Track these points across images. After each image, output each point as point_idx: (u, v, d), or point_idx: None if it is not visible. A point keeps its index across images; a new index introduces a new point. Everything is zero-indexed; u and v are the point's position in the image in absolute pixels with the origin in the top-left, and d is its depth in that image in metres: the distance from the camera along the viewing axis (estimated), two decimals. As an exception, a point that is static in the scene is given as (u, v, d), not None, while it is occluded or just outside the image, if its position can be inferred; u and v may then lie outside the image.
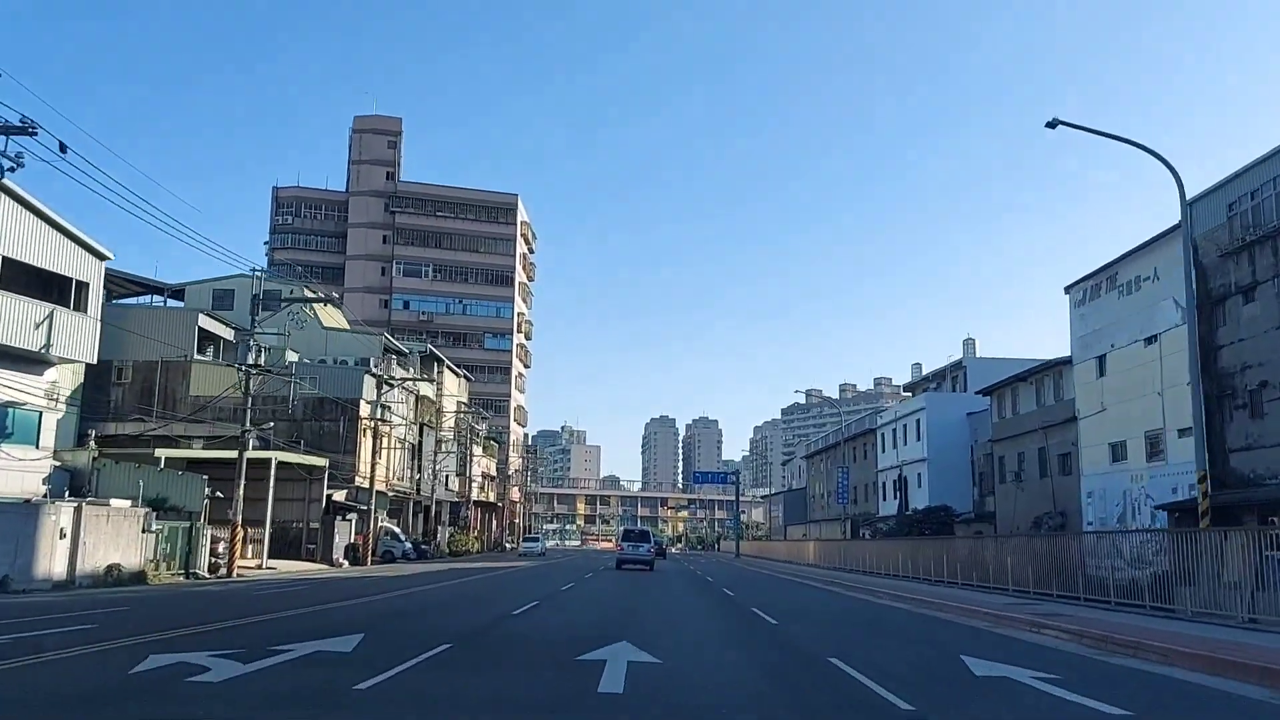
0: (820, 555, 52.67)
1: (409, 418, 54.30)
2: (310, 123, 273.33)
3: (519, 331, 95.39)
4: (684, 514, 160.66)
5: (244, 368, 29.26)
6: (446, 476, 61.07)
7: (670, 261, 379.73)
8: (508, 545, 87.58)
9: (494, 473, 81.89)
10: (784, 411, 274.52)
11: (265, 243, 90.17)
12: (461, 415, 65.20)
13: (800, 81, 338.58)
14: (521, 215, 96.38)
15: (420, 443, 55.49)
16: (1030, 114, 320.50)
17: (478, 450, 72.59)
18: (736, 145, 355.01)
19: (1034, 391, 41.51)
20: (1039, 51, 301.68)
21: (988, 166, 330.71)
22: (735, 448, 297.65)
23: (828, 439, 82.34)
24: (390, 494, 50.74)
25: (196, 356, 44.56)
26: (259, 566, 35.28)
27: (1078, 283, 37.30)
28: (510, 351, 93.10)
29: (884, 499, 63.67)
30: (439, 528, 60.09)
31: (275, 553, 40.81)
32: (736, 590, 27.27)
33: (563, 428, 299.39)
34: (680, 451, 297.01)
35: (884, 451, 63.82)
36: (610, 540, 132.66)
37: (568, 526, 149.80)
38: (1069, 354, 38.05)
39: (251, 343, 29.33)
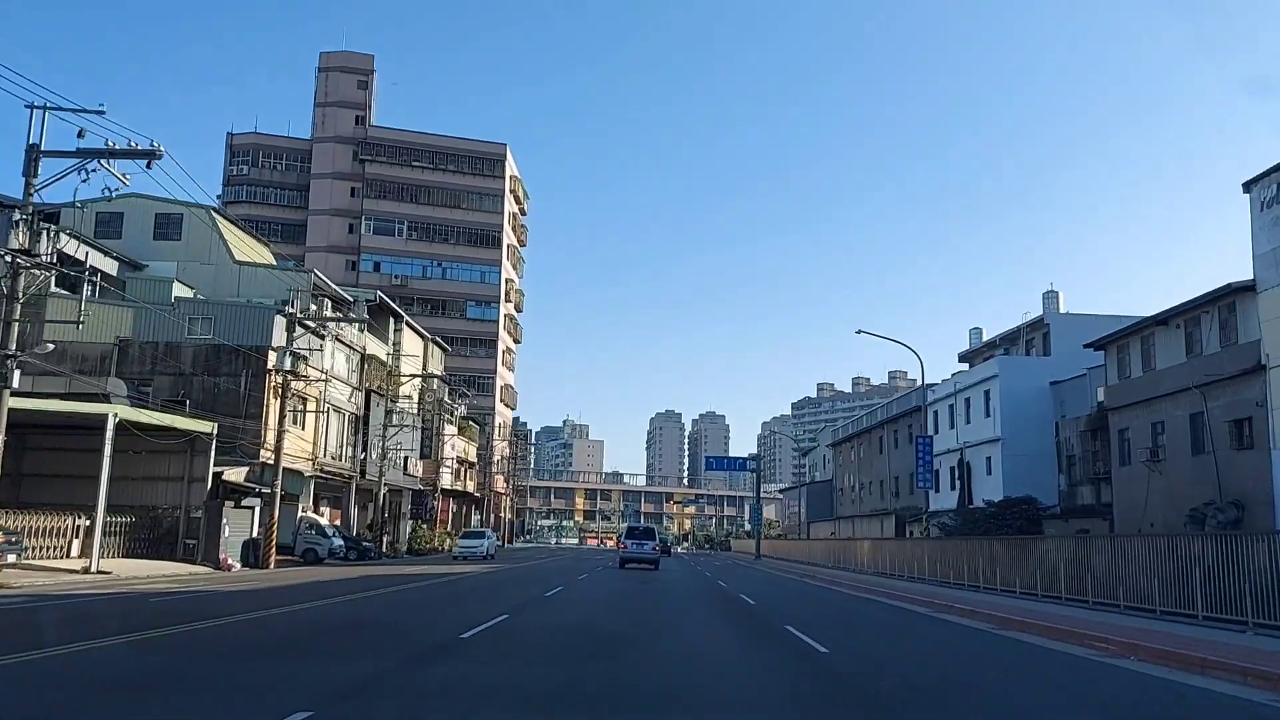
0: (871, 558, 41.50)
1: (352, 381, 43.26)
2: (272, 60, 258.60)
3: (507, 300, 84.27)
4: (690, 510, 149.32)
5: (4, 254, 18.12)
6: (406, 459, 50.03)
7: (677, 253, 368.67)
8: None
9: (473, 459, 70.80)
10: (794, 406, 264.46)
11: (217, 196, 79.06)
12: (426, 384, 54.01)
13: (820, 55, 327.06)
14: (511, 169, 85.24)
15: (368, 414, 44.44)
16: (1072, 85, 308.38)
17: (451, 430, 61.48)
18: (746, 132, 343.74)
19: (1181, 337, 30.24)
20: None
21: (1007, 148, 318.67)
22: (743, 443, 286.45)
23: (859, 423, 71.08)
24: (320, 476, 39.69)
25: (56, 289, 33.47)
26: (85, 570, 24.29)
27: (1266, 175, 26.08)
28: (496, 322, 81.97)
29: (936, 489, 52.48)
30: (394, 520, 49.06)
31: (140, 549, 29.83)
32: (806, 627, 16.09)
33: (564, 421, 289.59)
34: (686, 447, 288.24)
35: (937, 433, 52.62)
36: (611, 538, 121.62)
37: (565, 523, 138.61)
38: (1247, 278, 26.86)
39: (19, 216, 18.18)
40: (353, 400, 43.31)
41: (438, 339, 65.88)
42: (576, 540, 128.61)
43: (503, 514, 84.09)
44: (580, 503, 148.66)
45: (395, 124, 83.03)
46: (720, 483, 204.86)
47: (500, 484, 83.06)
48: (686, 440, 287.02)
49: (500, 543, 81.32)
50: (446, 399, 61.86)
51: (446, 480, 61.41)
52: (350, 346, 43.05)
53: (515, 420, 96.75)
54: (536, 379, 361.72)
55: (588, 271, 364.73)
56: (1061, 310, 47.94)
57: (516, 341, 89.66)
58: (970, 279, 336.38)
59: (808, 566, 48.66)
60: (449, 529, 64.41)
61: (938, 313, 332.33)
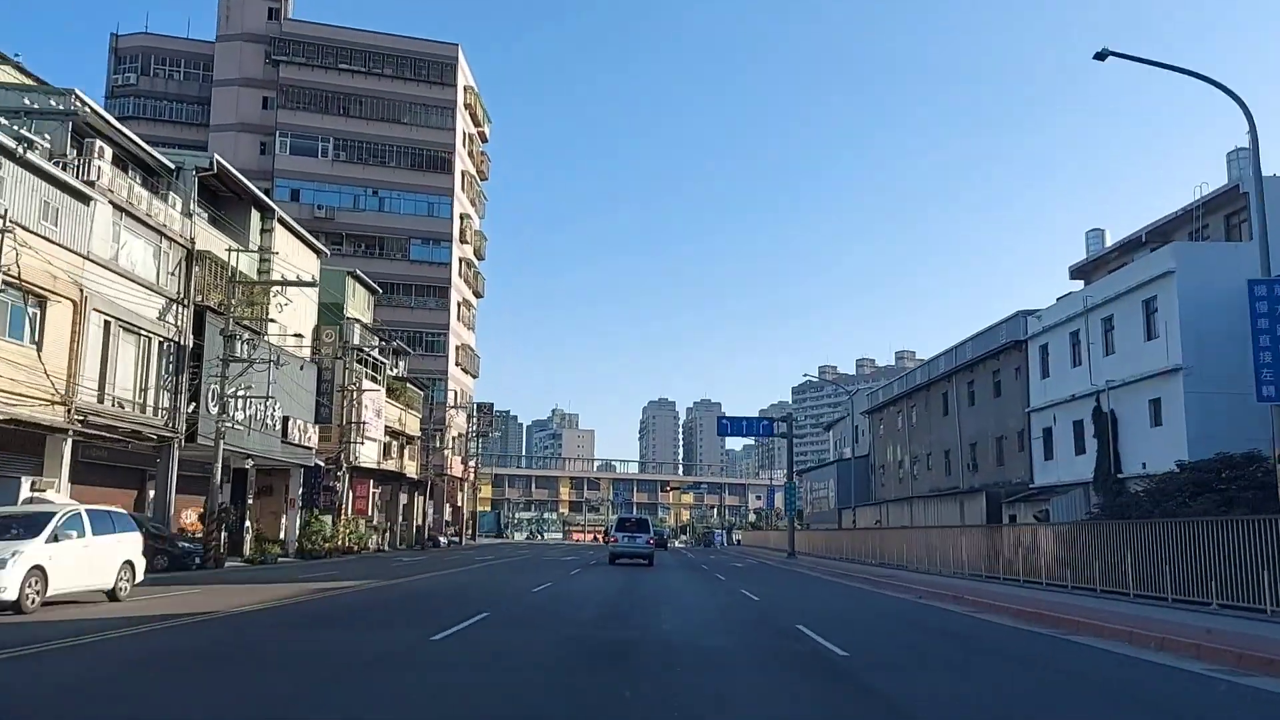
0: (952, 555, 25.89)
1: (166, 289, 27.42)
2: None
3: (464, 242, 68.27)
4: (689, 498, 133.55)
5: None
6: (286, 421, 34.27)
7: (668, 235, 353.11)
8: (445, 540, 60.75)
9: (415, 432, 54.91)
10: (794, 390, 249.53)
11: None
12: (330, 322, 38.12)
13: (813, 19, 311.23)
14: (465, 76, 69.20)
15: (203, 346, 28.55)
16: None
17: (373, 389, 45.60)
18: (749, 132, 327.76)
19: None
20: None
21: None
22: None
23: (909, 379, 55.38)
24: (89, 431, 23.84)
25: None
26: None
27: None
28: (448, 265, 65.98)
29: (1046, 456, 36.92)
30: (244, 508, 33.25)
31: None
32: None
33: (553, 411, 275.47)
34: (681, 437, 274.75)
35: (1047, 376, 37.00)
36: (595, 532, 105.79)
37: (547, 515, 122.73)
38: None
39: None
40: (171, 320, 27.46)
41: (361, 274, 50.05)
42: (560, 535, 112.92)
43: (461, 504, 68.19)
44: (566, 493, 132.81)
45: (315, 13, 66.79)
46: (717, 469, 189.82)
47: (456, 467, 67.19)
48: (681, 429, 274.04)
49: (458, 539, 65.58)
50: (365, 347, 45.98)
51: (369, 456, 45.58)
52: (162, 232, 27.14)
53: (494, 409, 79.80)
54: (523, 370, 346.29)
55: (574, 254, 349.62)
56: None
57: (478, 295, 73.75)
58: (942, 286, 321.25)
59: (848, 565, 32.99)
60: (372, 521, 48.59)
61: (976, 269, 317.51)
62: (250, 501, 33.20)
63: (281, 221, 35.83)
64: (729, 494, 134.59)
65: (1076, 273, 39.56)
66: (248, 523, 32.73)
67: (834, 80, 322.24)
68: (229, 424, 29.52)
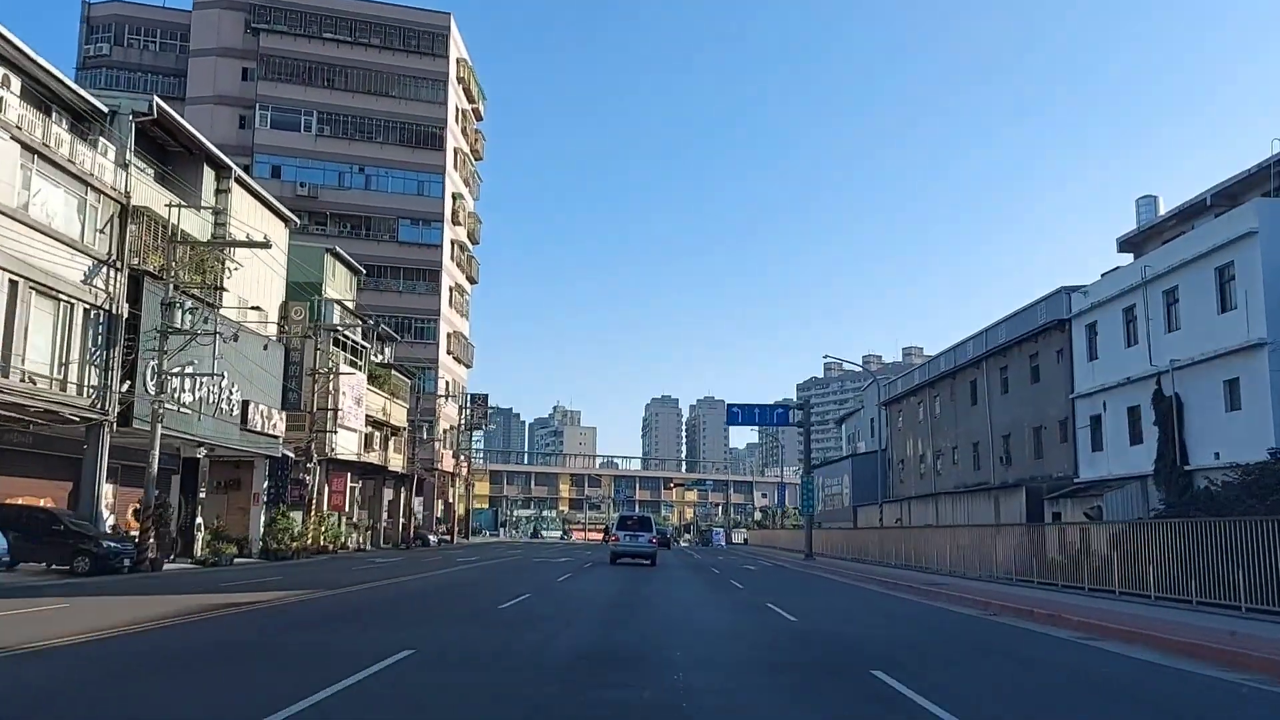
0: (991, 556, 22.15)
1: (95, 250, 23.71)
2: None
3: (456, 223, 64.51)
4: (693, 495, 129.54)
5: None
6: (245, 405, 30.56)
7: (672, 234, 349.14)
8: (435, 539, 57.09)
9: (401, 422, 51.20)
10: (799, 387, 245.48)
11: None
12: (295, 300, 34.42)
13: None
14: (458, 48, 65.45)
15: (140, 316, 24.79)
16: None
17: (352, 375, 41.88)
18: (750, 112, 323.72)
19: None
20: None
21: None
22: (744, 429, 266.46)
23: (932, 367, 51.58)
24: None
25: None
26: None
27: None
28: (439, 247, 62.22)
29: (1095, 447, 33.14)
30: (196, 502, 29.50)
31: None
32: None
33: (554, 408, 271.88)
34: (684, 434, 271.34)
35: (1096, 358, 33.22)
36: (596, 530, 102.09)
37: (546, 513, 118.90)
38: None
39: None
40: (100, 285, 23.75)
41: (341, 252, 46.41)
42: (560, 534, 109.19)
43: (452, 500, 64.44)
44: (566, 490, 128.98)
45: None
46: (721, 468, 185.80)
47: (448, 461, 63.46)
48: (684, 427, 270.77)
49: (449, 537, 61.89)
50: (343, 328, 42.30)
51: (348, 447, 41.90)
52: (88, 183, 23.41)
53: (488, 400, 76.31)
54: (524, 369, 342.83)
55: (577, 253, 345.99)
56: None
57: (471, 281, 69.97)
58: (946, 285, 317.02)
59: (872, 567, 29.24)
60: (352, 518, 44.94)
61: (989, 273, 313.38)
62: (203, 495, 29.47)
63: (241, 183, 32.12)
64: (734, 491, 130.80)
65: (1125, 245, 35.71)
66: (199, 519, 29.00)
67: (838, 72, 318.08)
68: (174, 406, 25.86)
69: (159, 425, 24.43)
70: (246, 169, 57.62)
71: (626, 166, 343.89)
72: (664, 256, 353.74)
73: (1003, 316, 41.49)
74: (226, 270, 27.65)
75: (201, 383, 27.42)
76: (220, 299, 28.96)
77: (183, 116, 34.99)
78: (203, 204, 29.13)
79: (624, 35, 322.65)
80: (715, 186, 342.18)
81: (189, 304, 24.96)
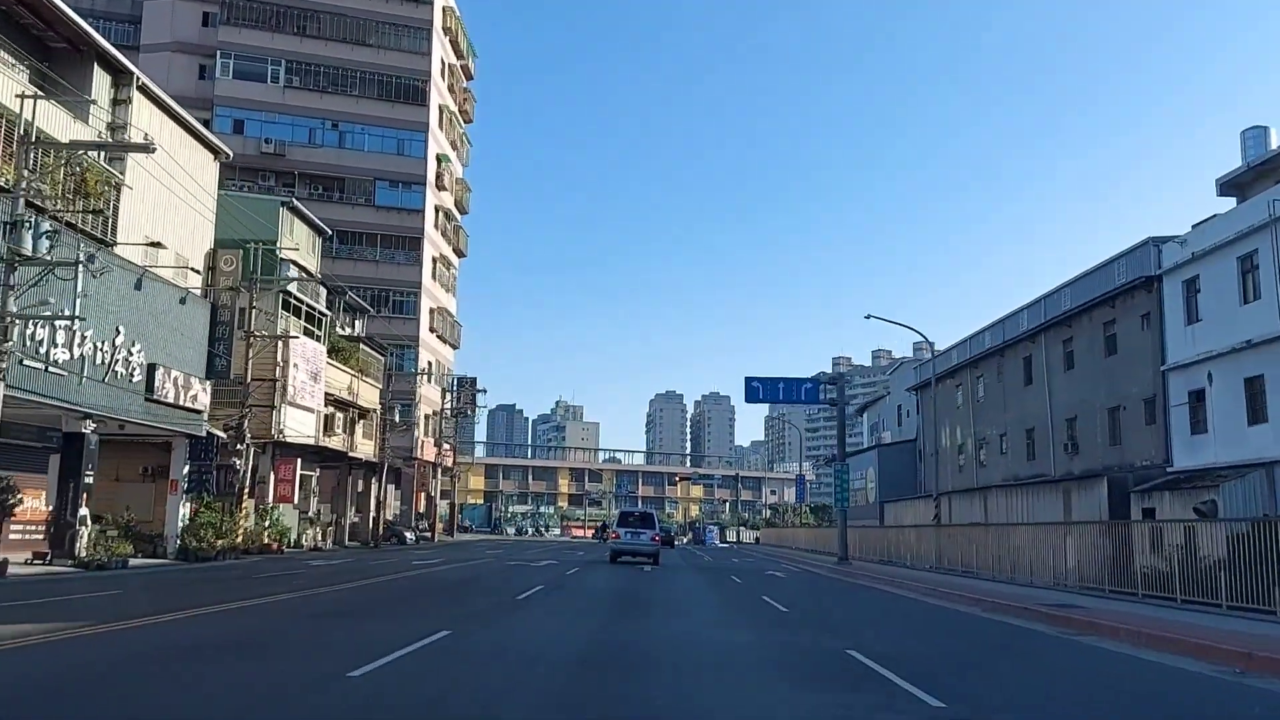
0: (1081, 558, 16.02)
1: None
2: None
3: (439, 188, 58.49)
4: (698, 490, 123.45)
5: None
6: (153, 371, 24.57)
7: (677, 227, 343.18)
8: (412, 536, 51.12)
9: (372, 404, 45.18)
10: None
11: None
12: (217, 252, 28.40)
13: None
14: (443, -5, 59.39)
15: (7, 262, 18.81)
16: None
17: (301, 339, 35.81)
18: (755, 116, 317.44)
19: None
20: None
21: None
22: (749, 426, 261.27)
23: (975, 344, 45.32)
24: None
25: None
26: None
27: None
28: (420, 213, 56.20)
29: (1195, 429, 27.05)
30: (81, 488, 23.45)
31: None
32: None
33: (556, 402, 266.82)
34: (689, 431, 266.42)
35: (1197, 320, 27.13)
36: (585, 528, 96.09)
37: (544, 509, 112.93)
38: None
39: None
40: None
41: (300, 206, 40.51)
42: (559, 531, 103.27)
43: (431, 493, 58.46)
44: (565, 485, 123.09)
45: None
46: (725, 463, 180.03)
47: (429, 450, 57.50)
48: (689, 423, 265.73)
49: (429, 534, 55.94)
50: (302, 294, 36.32)
51: (300, 429, 35.86)
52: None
53: (476, 384, 69.16)
54: (526, 362, 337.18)
55: (580, 253, 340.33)
56: None
57: (459, 254, 63.97)
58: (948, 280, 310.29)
59: (922, 574, 23.20)
60: (307, 512, 39.00)
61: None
62: (90, 481, 23.49)
63: (145, 92, 26.20)
64: (743, 487, 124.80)
65: (1228, 187, 29.52)
66: (83, 509, 23.05)
67: (842, 63, 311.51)
68: (38, 364, 19.94)
69: (0, 384, 18.44)
70: (206, 123, 51.57)
71: (632, 158, 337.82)
72: (670, 251, 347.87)
73: (1068, 279, 35.38)
74: (113, 189, 21.62)
75: (84, 337, 21.50)
76: (113, 233, 23.06)
77: (137, 66, 29.39)
78: (96, 120, 23.17)
79: (643, 28, 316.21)
80: (721, 185, 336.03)
81: (46, 226, 18.94)
